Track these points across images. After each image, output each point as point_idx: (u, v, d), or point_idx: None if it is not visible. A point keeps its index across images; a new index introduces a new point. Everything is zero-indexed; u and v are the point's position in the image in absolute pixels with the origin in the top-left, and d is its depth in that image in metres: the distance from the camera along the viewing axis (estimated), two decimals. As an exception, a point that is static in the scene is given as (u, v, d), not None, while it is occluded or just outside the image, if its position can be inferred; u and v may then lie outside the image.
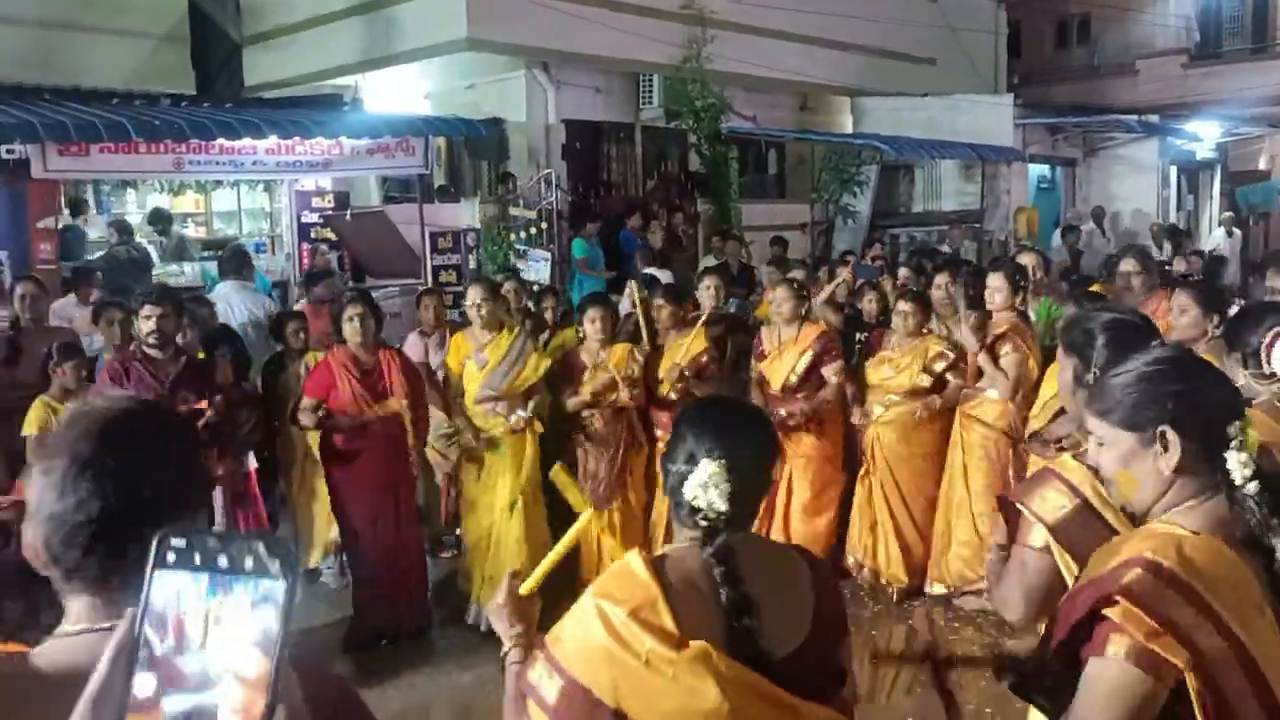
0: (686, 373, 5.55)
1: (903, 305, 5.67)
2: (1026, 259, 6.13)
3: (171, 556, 0.85)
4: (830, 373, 5.62)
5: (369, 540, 5.17)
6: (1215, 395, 1.68)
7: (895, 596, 5.66)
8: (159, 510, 1.19)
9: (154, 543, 0.85)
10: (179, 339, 5.43)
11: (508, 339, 5.43)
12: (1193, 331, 4.22)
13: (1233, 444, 1.62)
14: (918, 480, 5.69)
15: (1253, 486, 1.60)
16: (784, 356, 5.65)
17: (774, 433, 1.97)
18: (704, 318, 5.86)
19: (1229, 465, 1.61)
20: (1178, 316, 4.37)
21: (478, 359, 5.36)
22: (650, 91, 12.83)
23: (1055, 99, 18.68)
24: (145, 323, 4.77)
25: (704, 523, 1.75)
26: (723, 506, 1.73)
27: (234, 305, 7.41)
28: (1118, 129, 16.63)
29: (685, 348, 5.60)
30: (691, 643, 1.63)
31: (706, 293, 6.45)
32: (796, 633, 1.74)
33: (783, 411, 5.44)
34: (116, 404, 1.30)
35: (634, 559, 1.75)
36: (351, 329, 5.12)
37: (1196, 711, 1.49)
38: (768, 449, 1.89)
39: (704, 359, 5.70)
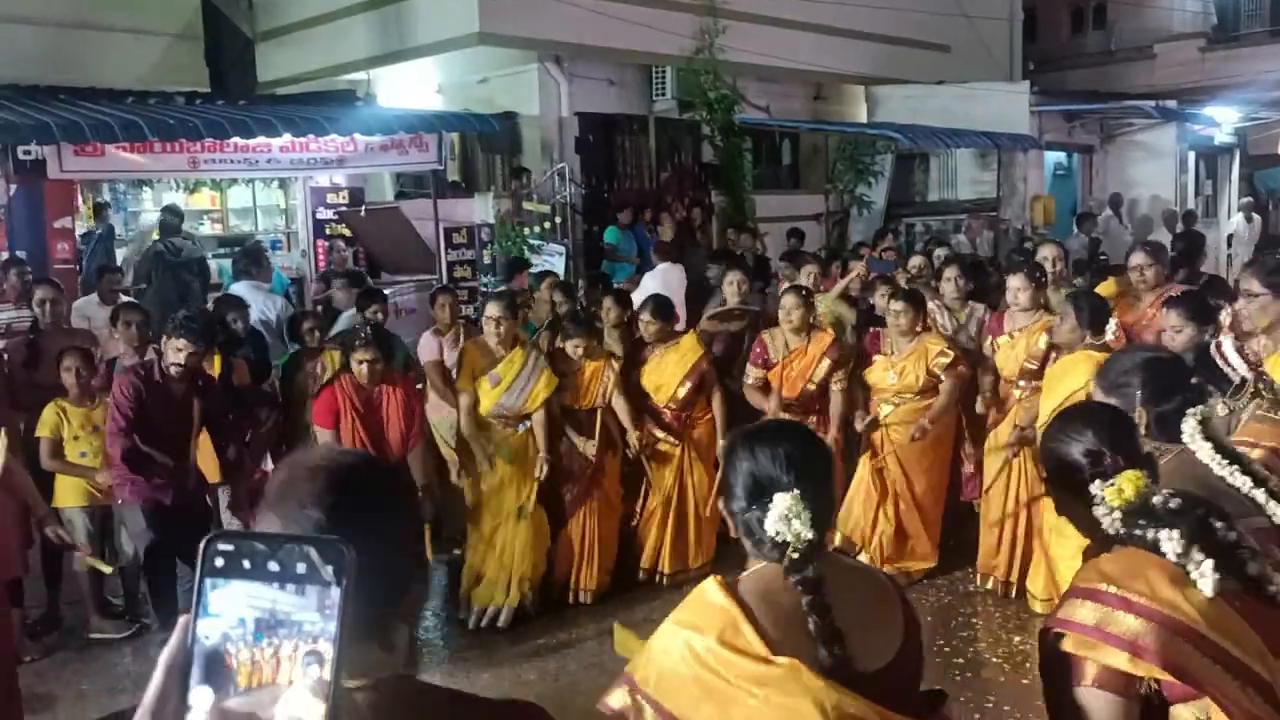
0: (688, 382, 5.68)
1: (894, 305, 5.57)
2: (1047, 250, 6.10)
3: (220, 562, 0.83)
4: (836, 383, 5.65)
5: None
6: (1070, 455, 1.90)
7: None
8: (393, 583, 1.20)
9: (200, 548, 0.83)
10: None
11: (520, 357, 5.41)
12: (1190, 345, 4.26)
13: (1096, 498, 1.81)
14: (924, 468, 5.68)
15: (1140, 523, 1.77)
16: (794, 365, 5.65)
17: (825, 445, 1.92)
18: (699, 324, 5.87)
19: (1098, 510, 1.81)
20: (1174, 337, 4.37)
21: (491, 378, 5.36)
22: (663, 83, 12.79)
23: (1071, 84, 18.53)
24: (174, 354, 4.81)
25: (794, 555, 1.68)
26: (810, 534, 1.68)
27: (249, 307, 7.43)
28: (1135, 115, 16.48)
29: (680, 361, 5.68)
30: (780, 660, 1.59)
31: (730, 288, 6.44)
32: (885, 653, 1.70)
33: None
34: (346, 458, 1.28)
35: (709, 585, 1.71)
36: (359, 371, 5.12)
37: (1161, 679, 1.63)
38: (829, 464, 1.84)
39: (704, 366, 5.74)
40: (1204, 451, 2.11)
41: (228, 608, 0.82)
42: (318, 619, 0.82)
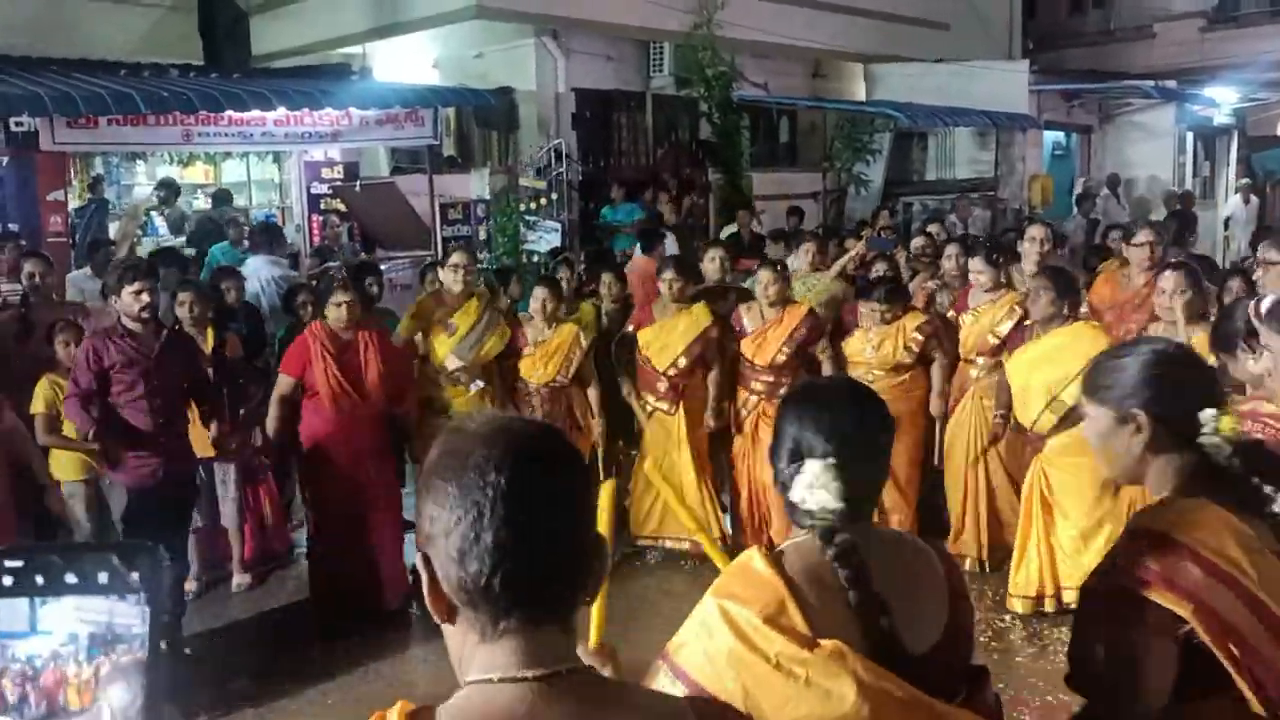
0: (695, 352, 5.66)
1: (874, 305, 5.60)
2: (1036, 231, 6.09)
3: (8, 580, 0.75)
4: (821, 352, 5.69)
5: (337, 519, 5.10)
6: (1190, 385, 1.84)
7: None
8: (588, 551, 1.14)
9: None
10: (189, 313, 5.42)
11: (476, 308, 5.52)
12: (1190, 312, 4.28)
13: (1205, 429, 1.76)
14: (901, 444, 5.69)
15: (1234, 463, 1.75)
16: (768, 336, 5.65)
17: (885, 412, 1.79)
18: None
19: (1205, 447, 1.77)
20: (1173, 298, 4.38)
21: (448, 327, 5.45)
22: (661, 59, 12.71)
23: (1070, 64, 18.42)
24: (133, 302, 4.53)
25: (820, 524, 1.64)
26: (836, 505, 1.63)
27: (264, 281, 7.39)
28: (1134, 95, 16.42)
29: (691, 326, 5.68)
30: (824, 642, 1.53)
31: (711, 265, 6.42)
32: (933, 629, 1.65)
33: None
34: (523, 429, 1.17)
35: (754, 556, 1.64)
36: (337, 314, 5.07)
37: (1208, 642, 1.62)
38: (880, 432, 1.75)
39: (713, 334, 5.72)
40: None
41: (59, 624, 0.76)
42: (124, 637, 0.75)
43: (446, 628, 1.14)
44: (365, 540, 5.12)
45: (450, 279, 5.57)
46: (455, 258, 5.63)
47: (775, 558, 1.64)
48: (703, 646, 1.58)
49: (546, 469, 1.12)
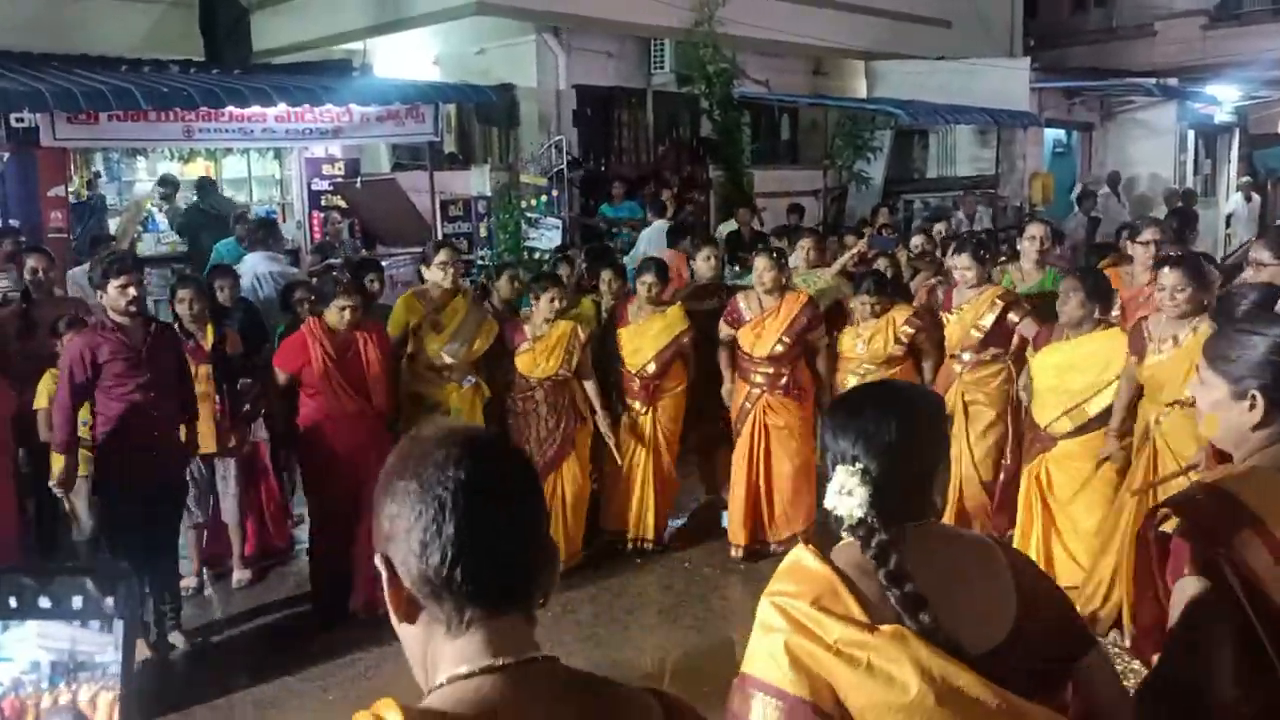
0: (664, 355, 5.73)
1: (864, 298, 5.71)
2: (1035, 229, 6.08)
3: None
4: (818, 340, 5.75)
5: (336, 516, 5.10)
6: None
7: None
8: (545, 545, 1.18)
9: None
10: (189, 310, 5.42)
11: (463, 305, 5.52)
12: (1193, 306, 4.27)
13: None
14: None
15: None
16: (766, 326, 5.66)
17: (924, 412, 1.75)
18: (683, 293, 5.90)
19: None
20: (1173, 294, 4.37)
21: (436, 325, 5.45)
22: (662, 56, 12.70)
23: (1072, 61, 18.42)
24: (119, 296, 4.51)
25: (845, 531, 1.64)
26: (860, 514, 1.61)
27: (262, 277, 7.35)
28: (1135, 92, 16.41)
29: (665, 330, 5.72)
30: (884, 626, 1.51)
31: (704, 264, 6.42)
32: (995, 629, 1.59)
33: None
34: (477, 433, 1.23)
35: (802, 552, 1.65)
36: (339, 318, 5.06)
37: (1247, 606, 1.65)
38: (915, 432, 1.69)
39: (685, 340, 5.77)
40: None
41: (21, 650, 0.73)
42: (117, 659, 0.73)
43: (406, 629, 1.16)
44: (364, 538, 5.11)
45: (438, 276, 5.55)
46: (442, 255, 5.60)
47: (826, 556, 1.65)
48: (766, 649, 1.56)
49: (503, 464, 1.17)
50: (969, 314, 5.48)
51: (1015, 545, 5.09)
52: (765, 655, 1.55)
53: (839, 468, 1.64)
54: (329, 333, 5.08)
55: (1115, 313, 4.81)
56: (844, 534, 1.67)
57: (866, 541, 1.61)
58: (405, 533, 1.11)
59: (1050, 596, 1.70)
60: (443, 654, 1.13)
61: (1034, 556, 4.91)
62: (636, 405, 5.83)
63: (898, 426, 1.66)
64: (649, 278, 5.83)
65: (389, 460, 1.18)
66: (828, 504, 1.65)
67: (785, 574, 1.65)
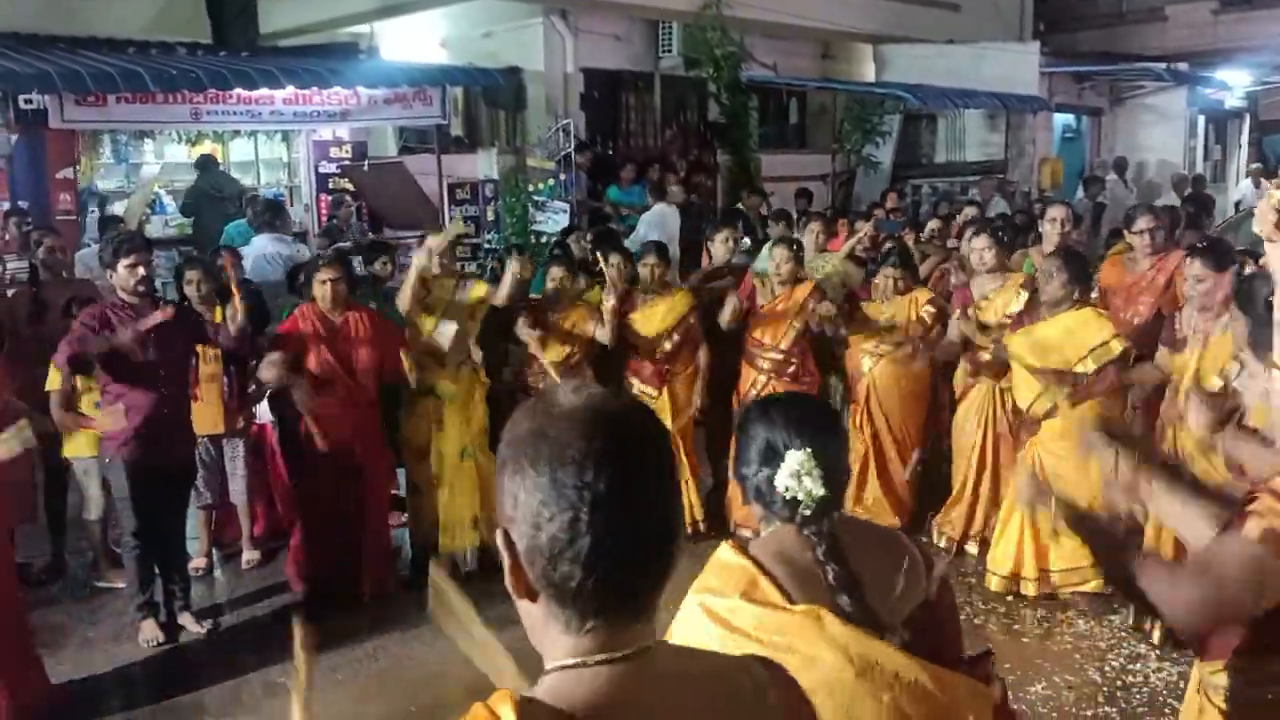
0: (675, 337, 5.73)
1: (888, 270, 5.83)
2: (1056, 212, 6.07)
3: None
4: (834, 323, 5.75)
5: (328, 501, 5.08)
6: None
7: None
8: (675, 532, 1.09)
9: None
10: (197, 291, 5.42)
11: (453, 287, 5.39)
12: (1218, 295, 4.25)
13: None
14: (906, 420, 5.82)
15: None
16: (778, 309, 5.71)
17: (837, 413, 1.98)
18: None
19: None
20: (1194, 285, 4.35)
21: (428, 306, 5.36)
22: (670, 40, 12.65)
23: (1082, 46, 18.30)
24: (129, 276, 4.51)
25: (806, 513, 1.72)
26: (822, 491, 1.71)
27: (270, 259, 7.34)
28: (1145, 77, 16.31)
29: (669, 312, 5.72)
30: (797, 607, 1.61)
31: (721, 246, 6.42)
32: (906, 606, 1.72)
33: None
34: (620, 416, 1.10)
35: (722, 550, 1.75)
36: (322, 292, 5.04)
37: None
38: (843, 436, 1.89)
39: (692, 320, 5.78)
40: None
41: None
42: None
43: (525, 604, 1.10)
44: (353, 524, 5.11)
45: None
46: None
47: (742, 546, 1.75)
48: (686, 641, 1.59)
49: (644, 465, 1.06)
50: (998, 302, 5.45)
51: (999, 527, 5.14)
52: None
53: (790, 453, 1.72)
54: (321, 317, 5.06)
55: (1095, 295, 4.83)
56: (771, 525, 1.77)
57: (811, 522, 1.70)
58: (532, 527, 1.04)
59: (945, 593, 1.82)
60: (557, 644, 1.08)
61: (1026, 546, 4.95)
62: (649, 390, 5.80)
63: (829, 420, 1.86)
64: (651, 259, 5.84)
65: (515, 423, 1.09)
66: (780, 485, 1.72)
67: (709, 571, 1.74)
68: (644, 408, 1.16)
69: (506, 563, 1.08)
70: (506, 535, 1.08)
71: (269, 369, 4.96)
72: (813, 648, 1.57)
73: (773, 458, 1.75)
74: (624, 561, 1.04)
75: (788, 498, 1.72)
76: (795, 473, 1.71)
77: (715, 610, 1.64)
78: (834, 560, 1.67)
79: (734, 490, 5.79)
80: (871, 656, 1.58)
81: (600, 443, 1.03)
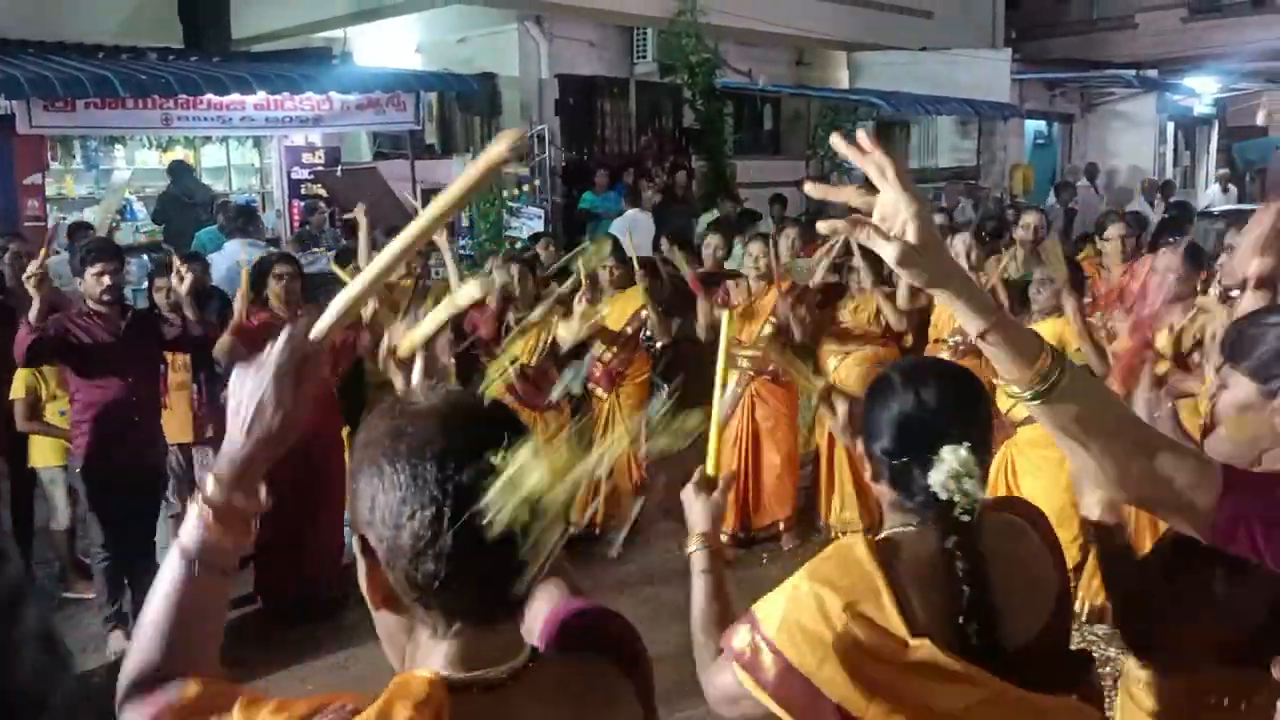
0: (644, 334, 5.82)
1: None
2: (1030, 218, 6.15)
3: None
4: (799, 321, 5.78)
5: (284, 505, 4.96)
6: None
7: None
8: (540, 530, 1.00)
9: None
10: (166, 299, 5.37)
11: (412, 290, 5.50)
12: (1183, 290, 4.28)
13: None
14: None
15: None
16: (754, 309, 5.72)
17: (985, 390, 1.65)
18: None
19: None
20: (1165, 274, 4.39)
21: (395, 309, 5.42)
22: (644, 46, 12.68)
23: (1053, 53, 18.49)
24: (96, 283, 4.47)
25: (964, 518, 1.50)
26: (982, 494, 1.50)
27: (242, 265, 7.26)
28: (1116, 84, 16.50)
29: (623, 310, 5.78)
30: (914, 643, 1.43)
31: (706, 251, 6.48)
32: (1035, 623, 1.55)
33: None
34: (480, 412, 1.06)
35: (857, 543, 1.52)
36: (278, 288, 4.97)
37: None
38: (990, 413, 1.62)
39: (643, 313, 5.81)
40: None
41: None
42: None
43: (385, 616, 1.06)
44: (309, 528, 5.05)
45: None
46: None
47: (882, 545, 1.54)
48: (793, 625, 1.48)
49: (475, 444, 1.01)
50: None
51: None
52: (798, 635, 1.47)
53: (948, 449, 1.50)
54: (273, 316, 4.96)
55: (1087, 301, 4.87)
56: (908, 522, 1.57)
57: (960, 530, 1.50)
58: (392, 527, 0.99)
59: (1070, 608, 1.67)
60: (427, 652, 1.05)
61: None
62: (598, 391, 5.88)
63: (982, 401, 1.60)
64: (611, 261, 5.92)
65: (371, 425, 1.06)
66: (935, 485, 1.50)
67: (831, 560, 1.54)
68: (504, 405, 1.12)
69: (363, 569, 1.04)
70: (363, 541, 1.03)
71: (220, 348, 4.80)
72: (922, 684, 1.42)
73: (917, 443, 1.53)
74: (488, 557, 0.98)
75: (941, 499, 1.50)
76: (956, 474, 1.48)
77: (828, 609, 1.46)
78: (975, 583, 1.47)
79: (825, 487, 5.81)
80: (982, 690, 1.43)
81: (462, 438, 1.00)
